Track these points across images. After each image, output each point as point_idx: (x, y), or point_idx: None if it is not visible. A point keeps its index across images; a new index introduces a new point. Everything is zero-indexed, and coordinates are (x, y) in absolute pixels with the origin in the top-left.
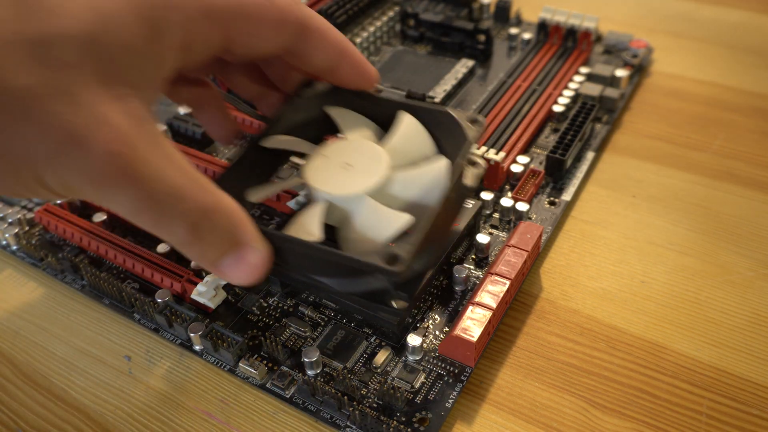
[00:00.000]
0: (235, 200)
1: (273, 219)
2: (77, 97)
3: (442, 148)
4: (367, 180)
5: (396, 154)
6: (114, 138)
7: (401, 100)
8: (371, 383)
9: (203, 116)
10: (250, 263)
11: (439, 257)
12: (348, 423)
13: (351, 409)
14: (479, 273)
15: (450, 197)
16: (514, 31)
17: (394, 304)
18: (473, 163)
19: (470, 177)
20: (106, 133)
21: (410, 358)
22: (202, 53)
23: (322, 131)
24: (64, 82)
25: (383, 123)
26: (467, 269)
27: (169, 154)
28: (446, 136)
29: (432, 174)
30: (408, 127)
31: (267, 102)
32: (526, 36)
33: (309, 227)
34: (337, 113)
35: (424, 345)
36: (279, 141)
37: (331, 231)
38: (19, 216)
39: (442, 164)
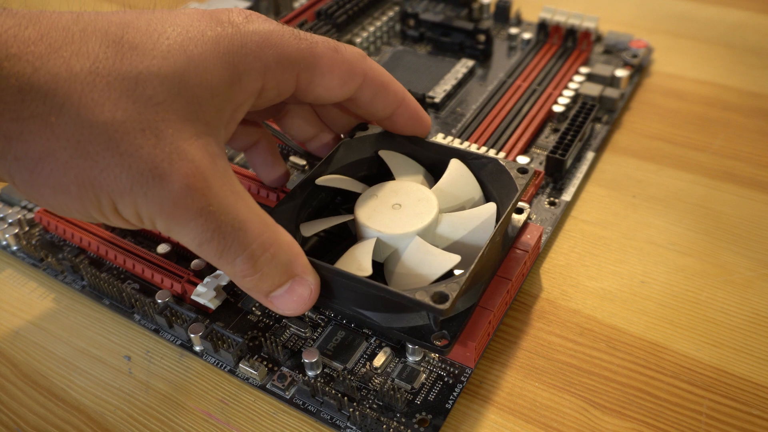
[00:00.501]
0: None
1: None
2: (162, 133)
3: (488, 193)
4: (417, 220)
5: (444, 196)
6: (192, 172)
7: (451, 146)
8: (371, 384)
9: (256, 159)
10: (300, 295)
11: (479, 296)
12: (348, 424)
13: (351, 410)
14: None
15: (496, 241)
16: (514, 31)
17: (435, 342)
18: (519, 211)
19: (515, 222)
20: (186, 167)
21: (410, 358)
22: (273, 99)
23: (373, 172)
24: (152, 118)
25: (432, 167)
26: None
27: (237, 191)
28: (493, 182)
29: (481, 218)
30: (456, 171)
31: (319, 142)
32: (526, 36)
33: (360, 262)
34: (389, 156)
35: None
36: (331, 180)
37: (377, 267)
38: (19, 216)
39: (490, 209)
